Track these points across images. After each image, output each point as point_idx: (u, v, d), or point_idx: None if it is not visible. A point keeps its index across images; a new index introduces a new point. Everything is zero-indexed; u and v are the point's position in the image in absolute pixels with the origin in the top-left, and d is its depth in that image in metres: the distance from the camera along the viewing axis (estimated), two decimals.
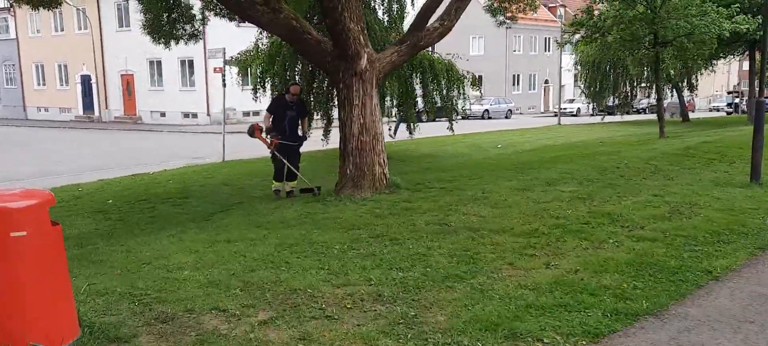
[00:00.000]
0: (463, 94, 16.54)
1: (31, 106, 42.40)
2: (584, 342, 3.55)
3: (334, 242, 5.80)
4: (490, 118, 40.18)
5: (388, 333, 3.73)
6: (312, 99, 15.47)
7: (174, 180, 13.61)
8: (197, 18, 13.21)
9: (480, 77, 17.46)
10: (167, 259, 5.55)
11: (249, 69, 16.92)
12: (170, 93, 34.22)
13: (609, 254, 5.14)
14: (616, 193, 7.67)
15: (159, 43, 13.16)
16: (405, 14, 17.18)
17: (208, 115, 32.80)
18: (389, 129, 21.20)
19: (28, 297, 3.36)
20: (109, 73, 37.10)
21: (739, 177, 8.56)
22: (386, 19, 16.27)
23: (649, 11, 15.63)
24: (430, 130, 20.55)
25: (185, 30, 13.24)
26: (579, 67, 32.13)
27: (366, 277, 4.74)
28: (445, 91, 16.18)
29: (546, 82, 54.96)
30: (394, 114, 18.13)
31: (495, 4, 13.33)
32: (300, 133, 9.70)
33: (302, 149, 9.93)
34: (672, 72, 27.93)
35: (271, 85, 15.95)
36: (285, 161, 9.36)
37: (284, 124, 9.42)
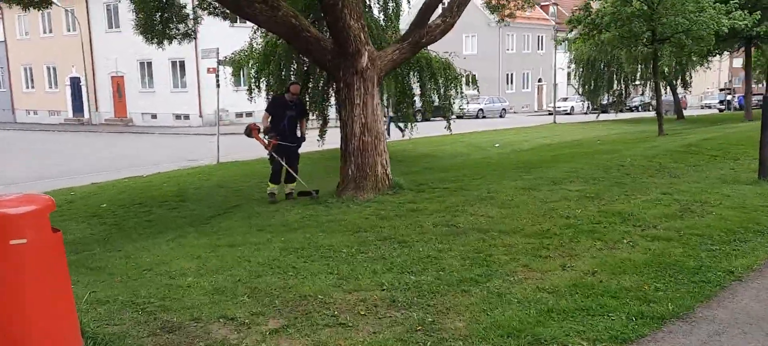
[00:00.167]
0: (461, 93, 16.40)
1: (20, 109, 41.96)
2: None
3: (341, 246, 5.64)
4: (484, 117, 40.11)
5: (406, 341, 3.58)
6: (307, 99, 15.28)
7: (169, 183, 13.40)
8: (190, 17, 13.01)
9: (474, 76, 17.23)
10: (169, 265, 5.37)
11: (243, 69, 16.72)
12: (161, 94, 33.92)
13: (625, 255, 5.00)
14: (624, 192, 7.54)
15: (152, 43, 12.93)
16: (401, 13, 17.05)
17: (201, 116, 32.53)
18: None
19: (29, 308, 3.18)
20: (99, 74, 36.75)
21: (745, 174, 8.46)
22: (382, 17, 16.12)
23: (646, 7, 15.56)
24: (426, 129, 20.43)
25: (178, 29, 13.03)
26: (573, 66, 32.06)
27: (378, 282, 4.58)
28: (442, 90, 16.04)
29: (539, 80, 54.98)
30: (385, 114, 17.97)
31: (493, 2, 13.20)
32: (299, 133, 9.46)
33: (299, 150, 9.72)
34: (666, 69, 28.01)
35: (266, 85, 15.77)
36: (283, 163, 9.12)
37: (283, 125, 9.11)
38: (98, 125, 36.22)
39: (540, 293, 4.22)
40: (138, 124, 34.81)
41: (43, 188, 13.08)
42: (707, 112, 49.96)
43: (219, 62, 17.30)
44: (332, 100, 17.04)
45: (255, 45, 16.04)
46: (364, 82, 8.41)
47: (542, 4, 53.95)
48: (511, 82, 52.29)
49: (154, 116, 34.54)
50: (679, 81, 31.15)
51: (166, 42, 12.71)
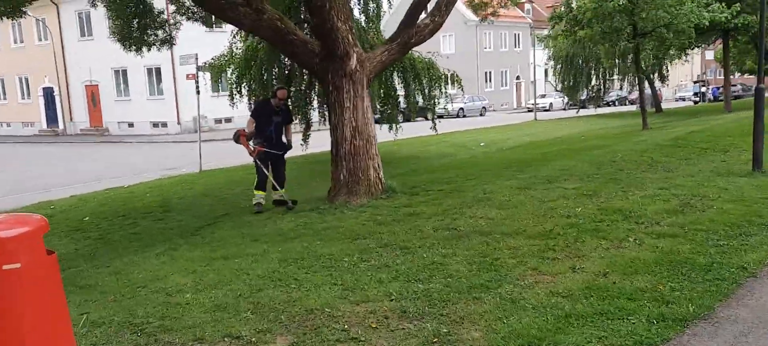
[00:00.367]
0: (445, 92, 16.31)
1: None
2: None
3: (342, 254, 5.47)
4: (464, 116, 40.13)
5: None
6: (290, 102, 15.06)
7: (152, 193, 13.09)
8: (169, 23, 12.72)
9: (457, 76, 17.14)
10: (163, 281, 5.16)
11: (223, 75, 16.45)
12: (138, 103, 33.36)
13: (633, 254, 4.91)
14: (621, 188, 7.48)
15: (130, 50, 12.60)
16: (382, 13, 16.92)
17: (179, 123, 32.06)
18: None
19: (25, 336, 2.97)
20: (73, 84, 36.07)
21: (737, 166, 8.46)
22: (363, 19, 15.97)
23: (627, 2, 15.61)
24: (408, 130, 20.30)
25: (157, 36, 12.72)
26: (552, 62, 32.22)
27: (385, 291, 4.43)
28: (426, 91, 15.94)
29: (517, 78, 55.26)
30: None
31: (476, 1, 13.11)
32: (285, 140, 9.20)
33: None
34: (644, 63, 28.24)
35: (248, 90, 15.52)
36: (267, 172, 8.81)
37: (270, 131, 8.77)
38: (73, 135, 35.54)
39: (554, 298, 4.10)
40: (114, 134, 34.22)
41: (20, 203, 12.71)
42: (682, 104, 50.57)
43: (198, 68, 16.99)
44: (315, 103, 16.91)
45: (235, 49, 15.79)
46: (354, 84, 8.25)
47: (519, 2, 54.25)
48: (490, 81, 52.47)
49: (130, 125, 33.97)
50: (656, 75, 31.46)
51: (144, 49, 12.41)
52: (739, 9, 17.89)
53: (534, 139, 19.78)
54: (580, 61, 31.66)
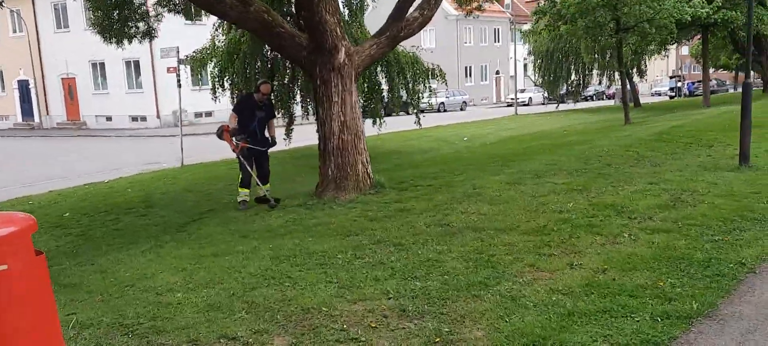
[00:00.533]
0: (429, 87, 16.25)
1: None
2: None
3: (335, 251, 5.37)
4: (445, 110, 40.14)
5: None
6: (273, 96, 14.88)
7: (133, 188, 12.86)
8: (151, 15, 12.46)
9: (441, 70, 17.04)
10: (152, 279, 5.02)
11: (204, 68, 16.21)
12: (116, 96, 32.85)
13: (629, 249, 4.89)
14: (610, 183, 7.47)
15: (110, 42, 12.32)
16: (365, 7, 16.80)
17: (158, 117, 31.62)
18: None
19: (12, 342, 2.83)
20: (49, 77, 35.38)
21: (723, 161, 8.51)
22: (347, 12, 15.82)
23: None
24: (390, 125, 20.18)
25: (138, 28, 12.46)
26: (532, 57, 32.34)
27: (382, 289, 4.34)
28: (410, 85, 15.86)
29: (497, 73, 55.45)
30: None
31: None
32: (268, 135, 9.01)
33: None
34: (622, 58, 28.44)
35: (231, 84, 15.31)
36: (249, 169, 8.63)
37: (253, 127, 8.57)
38: (50, 129, 34.89)
39: (555, 295, 4.04)
40: (92, 127, 33.65)
41: None
42: (657, 99, 51.19)
43: (179, 61, 16.71)
44: (298, 97, 16.75)
45: (217, 43, 15.56)
46: (342, 78, 8.13)
47: None
48: (470, 75, 52.58)
49: (108, 119, 33.43)
50: (634, 70, 31.74)
51: (125, 41, 12.14)
52: (719, 4, 18.07)
53: (516, 133, 19.83)
54: (560, 57, 31.83)
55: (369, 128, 18.38)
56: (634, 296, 3.94)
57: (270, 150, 8.99)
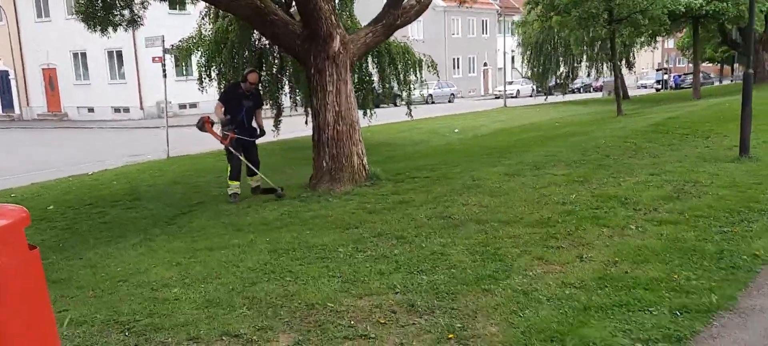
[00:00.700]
0: (421, 78, 16.07)
1: None
2: None
3: (335, 244, 5.20)
4: (433, 102, 39.97)
5: None
6: (261, 87, 14.64)
7: (118, 180, 12.55)
8: (136, 1, 12.14)
9: (433, 61, 16.85)
10: (145, 274, 4.83)
11: (190, 58, 15.91)
12: (98, 87, 32.27)
13: (638, 241, 4.77)
14: (611, 174, 7.37)
15: (94, 30, 11.98)
16: None
17: (142, 109, 31.13)
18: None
19: (5, 342, 2.64)
20: (29, 67, 34.67)
21: (722, 152, 8.44)
22: (337, 1, 15.58)
23: None
24: (379, 117, 19.96)
25: (123, 16, 12.14)
26: (522, 48, 32.28)
27: (388, 283, 4.19)
28: (401, 76, 15.67)
29: (485, 65, 55.38)
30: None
31: None
32: (255, 125, 8.78)
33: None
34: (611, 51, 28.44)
35: (218, 74, 15.04)
36: (241, 158, 8.43)
37: (241, 117, 8.35)
38: (30, 121, 34.25)
39: (567, 289, 3.92)
40: (74, 119, 33.04)
41: None
42: (644, 91, 51.37)
43: (165, 51, 16.38)
44: (287, 88, 16.52)
45: (204, 32, 15.26)
46: (337, 67, 7.95)
47: None
48: (458, 67, 52.45)
49: (91, 110, 32.85)
50: (623, 62, 31.82)
51: (110, 29, 11.82)
52: None
53: (507, 125, 19.73)
54: (549, 48, 31.81)
55: (360, 120, 18.21)
56: (649, 289, 3.82)
57: (258, 140, 8.79)
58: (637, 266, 4.23)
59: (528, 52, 32.52)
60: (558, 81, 34.33)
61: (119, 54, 30.97)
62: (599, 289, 3.88)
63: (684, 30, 28.32)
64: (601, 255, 4.53)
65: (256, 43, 14.81)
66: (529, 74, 34.22)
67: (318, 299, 3.98)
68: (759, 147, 8.39)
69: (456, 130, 18.57)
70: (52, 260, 6.20)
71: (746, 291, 3.75)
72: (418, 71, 15.79)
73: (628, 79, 57.80)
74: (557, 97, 37.92)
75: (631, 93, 41.65)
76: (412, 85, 15.94)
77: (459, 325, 3.51)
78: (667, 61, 61.02)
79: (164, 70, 16.73)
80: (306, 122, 16.56)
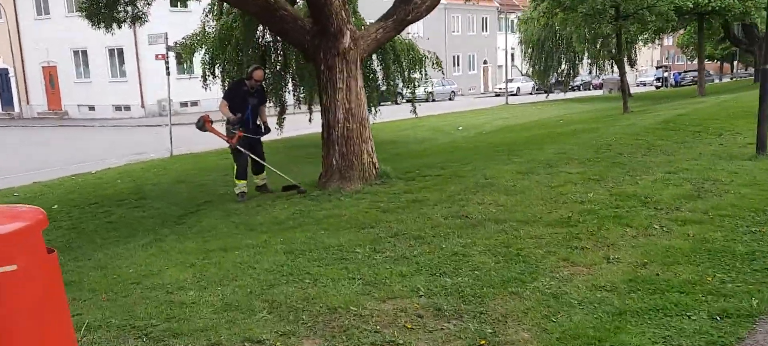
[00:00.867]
0: (425, 75, 15.95)
1: None
2: None
3: (352, 245, 5.07)
4: (434, 100, 39.83)
5: None
6: (264, 84, 14.51)
7: (123, 179, 12.44)
8: None
9: (438, 59, 16.72)
10: (159, 276, 4.69)
11: (193, 55, 15.77)
12: (99, 85, 32.11)
13: (665, 242, 4.64)
14: (627, 172, 7.24)
15: (98, 27, 11.85)
16: None
17: (143, 107, 30.98)
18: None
19: None
20: (29, 65, 34.51)
21: (737, 149, 8.32)
22: None
23: None
24: (381, 115, 19.84)
25: (127, 12, 12.00)
26: (523, 46, 32.16)
27: (411, 286, 4.06)
28: (406, 73, 15.55)
29: (485, 62, 55.26)
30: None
31: None
32: (260, 122, 8.65)
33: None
34: (614, 48, 28.31)
35: (222, 71, 14.91)
36: (251, 155, 8.30)
37: (247, 115, 8.21)
38: (30, 119, 34.10)
39: (598, 292, 3.79)
40: (74, 117, 32.88)
41: None
42: (643, 89, 51.30)
43: (168, 48, 16.24)
44: (290, 86, 16.38)
45: (207, 29, 15.13)
46: (347, 64, 7.82)
47: None
48: (458, 65, 52.30)
49: (91, 108, 32.69)
50: (626, 59, 31.67)
51: (114, 26, 11.68)
52: None
53: (511, 122, 19.62)
54: (551, 46, 31.69)
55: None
56: (684, 292, 3.69)
57: (263, 138, 8.67)
58: (667, 268, 4.11)
59: (529, 50, 32.40)
60: (559, 79, 34.21)
61: (120, 52, 30.81)
62: (631, 292, 3.75)
63: (685, 28, 28.15)
64: (628, 256, 4.40)
65: (260, 40, 14.68)
66: (531, 72, 34.07)
67: (340, 302, 3.85)
68: None
69: (460, 128, 18.45)
70: (60, 261, 6.05)
71: None
72: (422, 69, 15.67)
73: (628, 76, 57.82)
74: (558, 95, 37.82)
75: (632, 90, 41.57)
76: (416, 83, 15.82)
77: (490, 330, 3.38)
78: (666, 59, 60.80)
79: (167, 68, 16.60)
80: (309, 120, 16.49)
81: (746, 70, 62.34)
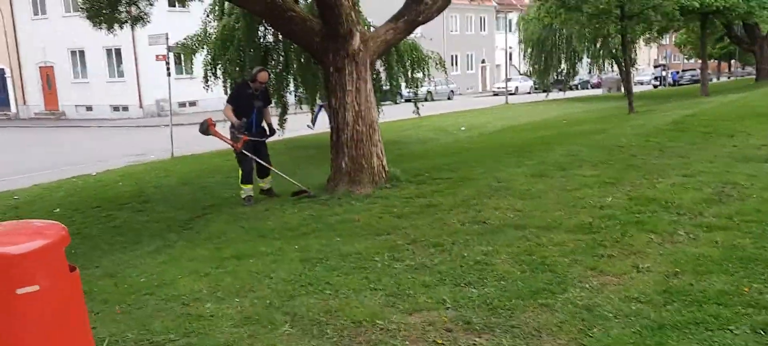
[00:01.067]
0: (428, 75, 15.81)
1: None
2: None
3: (370, 252, 4.94)
4: (433, 99, 39.67)
5: None
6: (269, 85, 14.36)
7: (124, 182, 12.25)
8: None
9: (441, 59, 16.60)
10: (172, 286, 4.55)
11: (193, 56, 15.61)
12: (97, 85, 31.88)
13: (694, 250, 4.52)
14: (643, 175, 7.12)
15: (100, 27, 11.67)
16: None
17: (141, 107, 30.76)
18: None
19: None
20: (26, 65, 34.23)
21: (751, 151, 8.20)
22: None
23: None
24: (382, 115, 19.72)
25: (129, 13, 11.83)
26: (523, 45, 32.07)
27: (436, 298, 3.92)
28: (409, 73, 15.41)
29: (483, 62, 55.15)
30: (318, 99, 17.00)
31: None
32: (264, 125, 8.50)
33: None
34: (613, 48, 28.22)
35: (223, 72, 14.75)
36: (256, 159, 8.15)
37: (251, 118, 8.05)
38: (27, 119, 33.83)
39: (632, 304, 3.66)
40: (71, 117, 32.63)
41: None
42: (640, 88, 51.21)
43: (169, 49, 16.06)
44: (292, 86, 16.23)
45: (209, 29, 14.96)
46: (357, 66, 7.67)
47: None
48: (456, 64, 52.12)
49: (89, 108, 32.45)
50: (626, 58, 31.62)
51: (116, 26, 11.51)
52: None
53: (513, 123, 19.50)
54: (550, 45, 31.60)
55: (322, 121, 17.86)
56: (722, 304, 3.57)
57: (268, 140, 8.54)
58: (700, 278, 3.98)
59: (530, 49, 32.30)
60: (559, 78, 34.13)
61: (118, 52, 30.58)
62: (667, 304, 3.63)
63: (688, 27, 28.05)
64: (657, 265, 4.27)
65: (260, 40, 14.54)
66: (531, 71, 33.98)
67: (364, 315, 3.71)
68: None
69: (463, 128, 18.33)
70: None
71: None
72: (426, 69, 15.54)
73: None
74: (557, 94, 37.70)
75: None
76: (419, 83, 15.70)
77: (524, 345, 3.25)
78: (664, 58, 60.82)
79: (169, 69, 16.44)
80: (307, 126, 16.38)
81: (743, 69, 62.42)
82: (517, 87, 47.69)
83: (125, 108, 31.14)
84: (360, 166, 7.76)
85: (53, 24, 31.26)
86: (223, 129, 8.46)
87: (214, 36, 14.40)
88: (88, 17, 11.35)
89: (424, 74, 15.55)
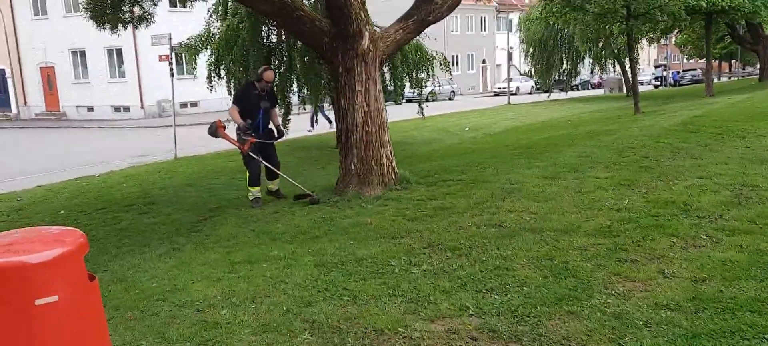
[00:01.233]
0: (433, 75, 15.71)
1: None
2: None
3: (386, 257, 4.83)
4: (435, 100, 39.54)
5: None
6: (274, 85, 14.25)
7: (128, 183, 12.15)
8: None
9: (445, 59, 16.50)
10: (185, 292, 4.44)
11: (196, 57, 15.49)
12: (98, 86, 31.76)
13: (719, 254, 4.41)
14: (658, 177, 7.01)
15: (104, 28, 11.56)
16: None
17: (142, 108, 30.64)
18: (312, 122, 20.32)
19: None
20: (27, 66, 34.11)
21: (764, 153, 8.07)
22: None
23: None
24: (387, 115, 19.63)
25: (133, 13, 11.73)
26: (524, 45, 31.97)
27: (458, 304, 3.82)
28: (414, 73, 15.30)
29: (483, 62, 55.07)
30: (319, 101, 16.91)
31: None
32: (272, 126, 8.39)
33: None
34: (615, 48, 28.17)
35: (227, 73, 14.64)
36: (263, 162, 8.03)
37: (258, 119, 7.95)
38: (28, 120, 33.71)
39: (662, 312, 3.55)
40: (73, 118, 32.52)
41: None
42: (641, 89, 51.01)
43: (172, 49, 15.96)
44: (295, 86, 16.11)
45: (213, 29, 14.85)
46: (366, 66, 7.57)
47: None
48: (457, 64, 52.02)
49: (90, 109, 32.33)
50: (627, 58, 31.53)
51: (120, 27, 11.40)
52: None
53: (518, 123, 19.39)
54: (552, 45, 31.50)
55: (324, 123, 17.80)
56: (755, 311, 3.46)
57: (277, 141, 8.43)
58: (729, 284, 3.87)
59: (532, 49, 32.21)
60: (561, 78, 34.02)
61: (119, 52, 30.47)
62: (698, 311, 3.52)
63: (693, 26, 27.95)
64: (683, 270, 4.17)
65: (265, 40, 14.43)
66: (532, 71, 33.89)
67: (385, 323, 3.61)
68: None
69: (467, 129, 18.23)
70: None
71: None
72: (430, 69, 15.44)
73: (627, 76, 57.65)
74: (559, 95, 37.61)
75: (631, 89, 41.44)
76: (424, 83, 15.60)
77: None
78: (665, 58, 60.74)
79: (172, 69, 16.34)
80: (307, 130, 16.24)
81: (744, 69, 62.33)
82: (517, 87, 47.58)
83: (126, 109, 31.03)
84: (369, 167, 7.66)
85: (54, 24, 31.15)
86: (232, 131, 8.35)
87: (218, 36, 14.29)
88: (91, 17, 11.24)
89: (428, 74, 15.44)
